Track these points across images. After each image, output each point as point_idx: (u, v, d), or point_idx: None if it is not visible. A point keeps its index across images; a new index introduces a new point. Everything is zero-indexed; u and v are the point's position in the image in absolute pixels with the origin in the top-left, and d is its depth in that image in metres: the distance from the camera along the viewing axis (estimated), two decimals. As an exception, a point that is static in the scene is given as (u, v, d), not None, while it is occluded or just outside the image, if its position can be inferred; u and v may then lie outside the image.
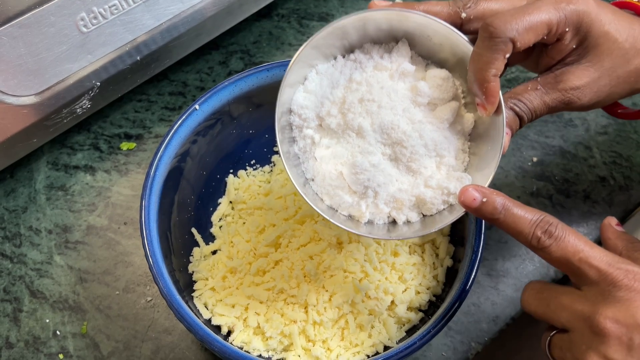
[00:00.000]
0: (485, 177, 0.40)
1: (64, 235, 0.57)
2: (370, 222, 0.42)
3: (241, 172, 0.56)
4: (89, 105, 0.58)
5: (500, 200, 0.36)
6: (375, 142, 0.41)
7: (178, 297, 0.44)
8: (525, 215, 0.36)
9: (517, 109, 0.41)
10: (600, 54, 0.40)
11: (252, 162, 0.57)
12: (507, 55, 0.38)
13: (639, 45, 0.41)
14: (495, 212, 0.36)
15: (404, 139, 0.40)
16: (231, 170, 0.56)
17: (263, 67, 0.51)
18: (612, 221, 0.42)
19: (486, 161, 0.40)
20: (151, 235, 0.46)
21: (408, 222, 0.42)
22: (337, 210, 0.42)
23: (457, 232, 0.50)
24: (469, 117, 0.42)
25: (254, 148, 0.57)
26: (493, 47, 0.37)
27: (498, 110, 0.40)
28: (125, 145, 0.62)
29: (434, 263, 0.50)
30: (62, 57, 0.53)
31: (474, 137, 0.42)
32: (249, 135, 0.56)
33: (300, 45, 0.41)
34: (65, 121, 0.58)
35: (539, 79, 0.42)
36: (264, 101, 0.53)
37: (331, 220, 0.40)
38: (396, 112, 0.41)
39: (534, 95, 0.41)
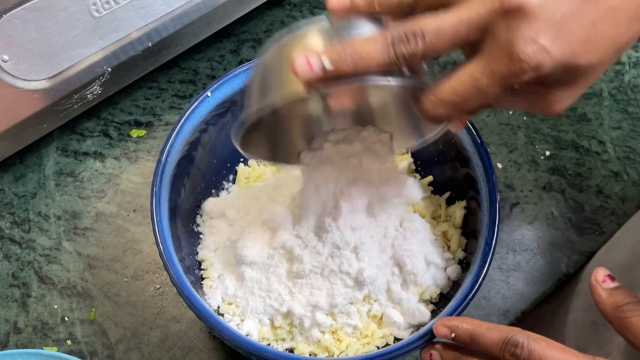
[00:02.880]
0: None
1: (72, 221, 0.57)
2: None
3: (252, 162, 0.56)
4: (99, 91, 0.58)
5: (467, 331, 0.38)
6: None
7: (188, 284, 0.44)
8: (492, 341, 0.36)
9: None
10: None
11: (262, 151, 0.57)
12: None
13: None
14: (466, 343, 0.38)
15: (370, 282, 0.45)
16: (242, 159, 0.56)
17: (276, 55, 0.51)
18: (598, 276, 0.37)
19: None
20: (162, 221, 0.45)
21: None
22: None
23: (469, 225, 0.50)
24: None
25: (264, 137, 0.56)
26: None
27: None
28: (135, 133, 0.62)
29: (445, 255, 0.50)
30: (74, 42, 0.52)
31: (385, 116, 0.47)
32: (260, 124, 0.56)
33: None
34: (75, 107, 0.57)
35: None
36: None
37: None
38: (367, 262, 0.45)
39: None
